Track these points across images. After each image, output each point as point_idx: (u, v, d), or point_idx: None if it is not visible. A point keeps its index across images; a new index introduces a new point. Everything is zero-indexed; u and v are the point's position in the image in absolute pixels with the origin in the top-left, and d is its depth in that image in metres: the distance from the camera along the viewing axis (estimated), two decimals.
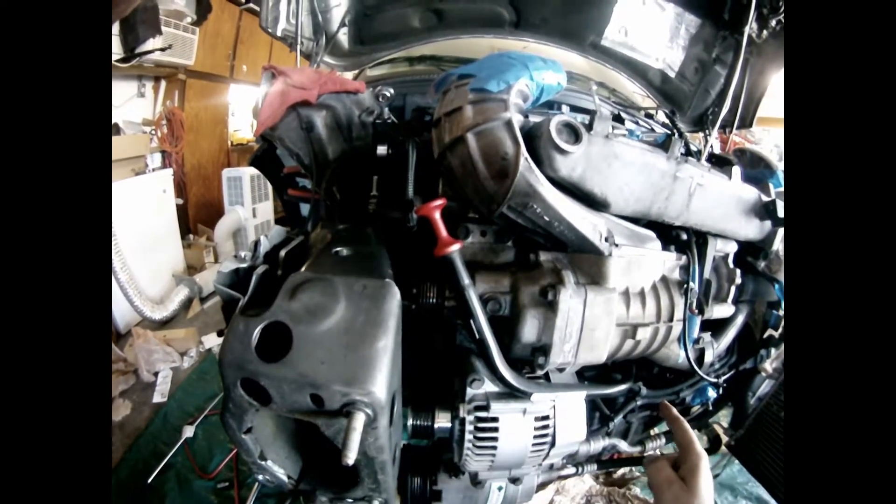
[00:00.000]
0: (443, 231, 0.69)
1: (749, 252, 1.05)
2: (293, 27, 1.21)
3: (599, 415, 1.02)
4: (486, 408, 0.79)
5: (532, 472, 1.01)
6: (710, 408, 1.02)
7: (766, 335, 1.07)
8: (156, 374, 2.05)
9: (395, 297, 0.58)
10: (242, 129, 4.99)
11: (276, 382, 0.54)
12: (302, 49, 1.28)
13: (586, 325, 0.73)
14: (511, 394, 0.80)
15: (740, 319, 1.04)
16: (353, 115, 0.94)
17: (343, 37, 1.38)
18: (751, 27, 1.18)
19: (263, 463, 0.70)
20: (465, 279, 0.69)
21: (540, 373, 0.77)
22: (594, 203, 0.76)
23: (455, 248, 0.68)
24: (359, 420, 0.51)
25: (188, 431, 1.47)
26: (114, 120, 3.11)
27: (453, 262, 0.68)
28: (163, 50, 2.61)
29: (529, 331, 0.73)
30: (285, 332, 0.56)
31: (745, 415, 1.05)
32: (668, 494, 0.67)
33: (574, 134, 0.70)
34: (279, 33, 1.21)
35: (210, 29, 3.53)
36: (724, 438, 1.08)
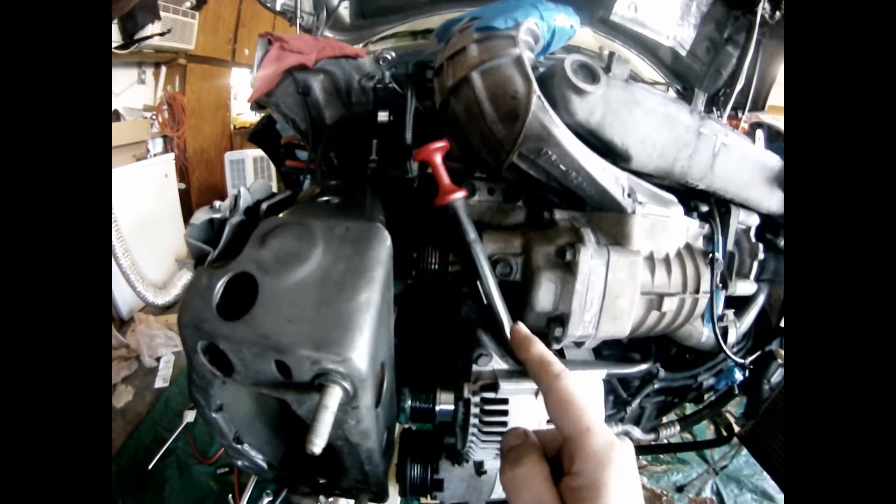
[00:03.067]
0: (445, 177, 0.53)
1: (769, 229, 0.87)
2: (293, 1, 1.08)
3: (614, 398, 0.83)
4: (493, 387, 0.61)
5: None
6: (736, 391, 0.83)
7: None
8: (158, 359, 1.86)
9: (383, 242, 0.41)
10: (245, 112, 4.45)
11: (235, 346, 0.37)
12: (302, 24, 1.14)
13: (609, 292, 0.56)
14: (522, 371, 0.63)
15: (761, 299, 0.85)
16: (353, 80, 0.79)
17: (344, 10, 1.23)
18: (763, 7, 1.02)
19: (239, 447, 0.53)
20: (471, 233, 0.52)
21: (556, 347, 0.59)
22: (614, 155, 0.59)
23: (459, 195, 0.52)
24: (332, 396, 0.34)
25: (189, 416, 1.30)
26: (114, 107, 2.79)
27: (457, 213, 0.52)
28: (162, 35, 2.31)
29: (545, 297, 0.56)
30: (255, 287, 0.40)
31: (759, 404, 0.87)
32: None
33: (591, 75, 0.54)
34: (278, 8, 1.08)
35: (210, 13, 3.17)
36: (737, 428, 0.89)
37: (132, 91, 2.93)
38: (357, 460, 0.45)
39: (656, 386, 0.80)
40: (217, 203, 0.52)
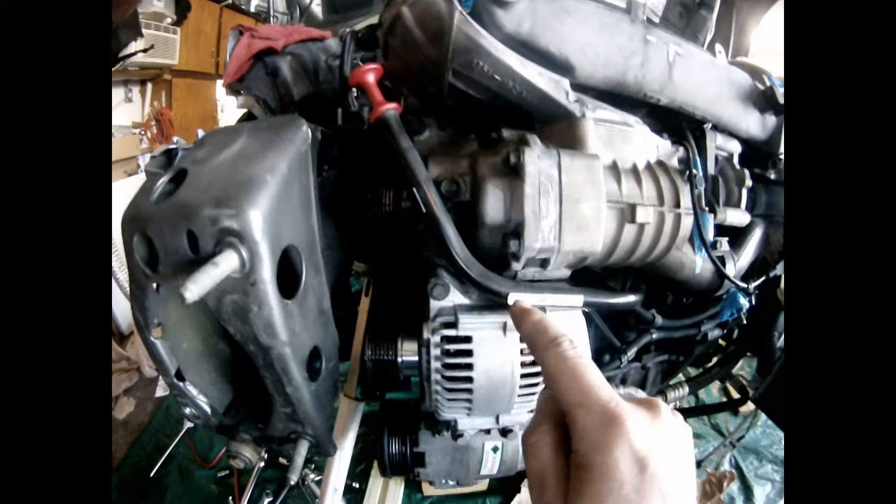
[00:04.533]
0: (377, 95, 0.54)
1: (757, 162, 0.81)
2: (266, 3, 1.22)
3: (609, 355, 0.74)
4: (454, 324, 0.56)
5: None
6: (744, 321, 0.72)
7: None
8: None
9: (298, 126, 0.42)
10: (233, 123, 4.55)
11: (158, 227, 0.38)
12: (276, 23, 1.27)
13: (567, 196, 0.52)
14: (486, 305, 0.58)
15: (758, 233, 0.77)
16: (320, 60, 0.86)
17: (316, 7, 1.37)
18: None
19: (181, 384, 0.51)
20: (404, 142, 0.52)
21: (516, 267, 0.55)
22: (556, 66, 0.59)
23: (390, 106, 0.53)
24: (225, 257, 0.33)
25: (189, 422, 1.28)
26: None
27: (388, 123, 0.52)
28: (145, 51, 2.32)
29: (493, 206, 0.53)
30: None
31: (771, 359, 0.75)
32: None
33: None
34: (253, 9, 1.22)
35: (192, 28, 3.18)
36: (750, 391, 0.77)
37: (120, 109, 3.00)
38: (275, 376, 0.42)
39: (654, 336, 0.71)
40: (176, 138, 0.56)
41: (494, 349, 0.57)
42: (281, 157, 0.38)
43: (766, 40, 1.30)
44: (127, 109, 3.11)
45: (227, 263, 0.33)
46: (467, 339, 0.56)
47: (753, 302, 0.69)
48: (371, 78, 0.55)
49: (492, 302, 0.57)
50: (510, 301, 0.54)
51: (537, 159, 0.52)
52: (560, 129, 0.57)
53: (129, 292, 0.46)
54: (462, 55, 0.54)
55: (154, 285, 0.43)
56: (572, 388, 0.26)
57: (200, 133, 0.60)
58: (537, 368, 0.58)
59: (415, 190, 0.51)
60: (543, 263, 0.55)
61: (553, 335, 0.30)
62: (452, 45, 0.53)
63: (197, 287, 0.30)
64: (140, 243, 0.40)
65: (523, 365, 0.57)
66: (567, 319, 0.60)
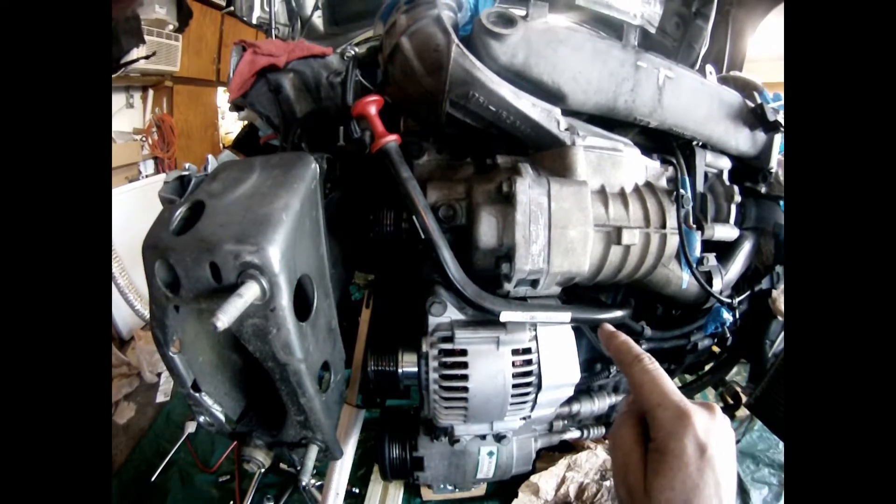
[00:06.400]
0: (379, 126, 0.59)
1: (747, 177, 0.85)
2: (268, 14, 1.26)
3: (600, 365, 0.79)
4: (450, 339, 0.62)
5: (528, 434, 0.78)
6: (728, 334, 0.77)
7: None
8: (158, 374, 1.88)
9: (307, 164, 0.47)
10: (233, 131, 4.41)
11: (181, 256, 0.43)
12: (278, 35, 1.31)
13: (556, 223, 0.57)
14: (480, 321, 0.63)
15: (747, 246, 0.81)
16: (322, 77, 0.90)
17: (318, 20, 1.41)
18: None
19: (197, 395, 0.57)
20: (404, 172, 0.57)
21: (508, 287, 0.60)
22: (549, 96, 0.63)
23: (391, 138, 0.57)
24: (248, 287, 0.39)
25: (190, 427, 1.33)
26: None
27: (389, 154, 0.57)
28: (147, 58, 2.36)
29: (487, 231, 0.59)
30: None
31: (763, 366, 0.80)
32: (622, 491, 0.34)
33: (508, 20, 0.61)
34: (254, 21, 1.25)
35: (193, 35, 3.25)
36: (744, 398, 0.82)
37: (121, 115, 3.06)
38: (290, 389, 0.47)
39: (644, 347, 0.76)
40: (187, 164, 0.61)
41: (488, 362, 0.62)
42: (293, 196, 0.43)
43: (764, 45, 1.33)
44: (128, 115, 3.17)
45: (250, 294, 0.39)
46: (463, 353, 0.62)
47: (738, 316, 0.74)
48: (373, 110, 0.60)
49: (486, 318, 0.62)
50: (502, 319, 0.60)
51: (528, 188, 0.57)
52: (551, 156, 0.62)
53: (150, 312, 0.51)
54: (459, 87, 0.59)
55: (174, 306, 0.49)
56: (653, 392, 0.35)
57: (211, 160, 0.65)
58: (527, 380, 0.63)
59: (414, 217, 0.56)
60: (534, 283, 0.61)
61: (636, 353, 0.38)
62: (450, 77, 0.58)
63: (227, 316, 0.36)
64: (161, 269, 0.46)
65: (514, 377, 0.63)
66: (556, 334, 0.65)
